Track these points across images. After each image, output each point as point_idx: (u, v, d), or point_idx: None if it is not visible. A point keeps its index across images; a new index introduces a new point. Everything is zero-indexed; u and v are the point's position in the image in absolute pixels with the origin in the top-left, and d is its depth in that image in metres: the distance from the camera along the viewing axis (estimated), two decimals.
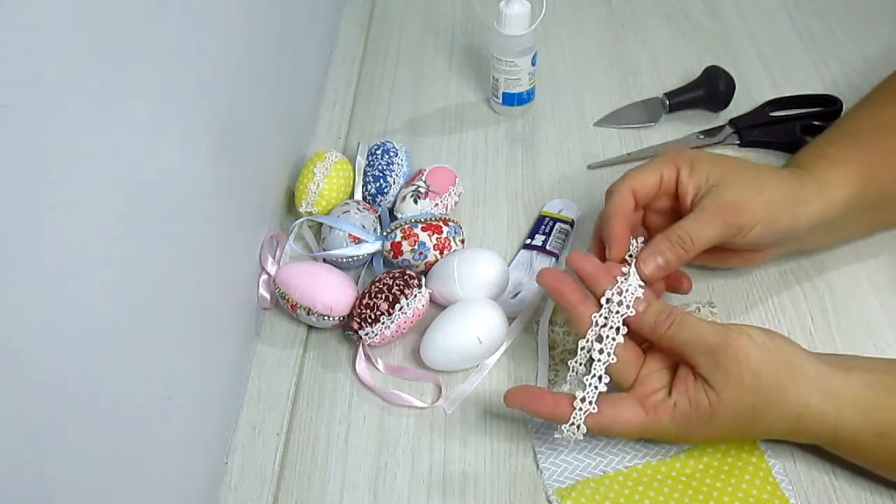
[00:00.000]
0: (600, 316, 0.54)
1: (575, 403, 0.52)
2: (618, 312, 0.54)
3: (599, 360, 0.53)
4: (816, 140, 0.65)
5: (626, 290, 0.54)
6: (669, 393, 0.52)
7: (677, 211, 0.60)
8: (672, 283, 0.62)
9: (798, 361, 0.51)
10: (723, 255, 0.62)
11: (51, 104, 0.36)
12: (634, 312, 0.53)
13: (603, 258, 0.58)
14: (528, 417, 0.59)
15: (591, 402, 0.52)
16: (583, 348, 0.54)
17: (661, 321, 0.52)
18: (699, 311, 0.64)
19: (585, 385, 0.53)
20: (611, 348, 0.53)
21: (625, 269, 0.56)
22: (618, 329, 0.53)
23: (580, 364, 0.55)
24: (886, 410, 0.51)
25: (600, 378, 0.53)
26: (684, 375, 0.52)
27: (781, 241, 0.60)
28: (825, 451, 0.55)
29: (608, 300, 0.54)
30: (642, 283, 0.55)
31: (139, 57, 0.44)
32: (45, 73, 0.35)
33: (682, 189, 0.58)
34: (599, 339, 0.54)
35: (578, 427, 0.52)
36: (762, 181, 0.58)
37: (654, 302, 0.53)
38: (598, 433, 0.53)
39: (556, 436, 0.54)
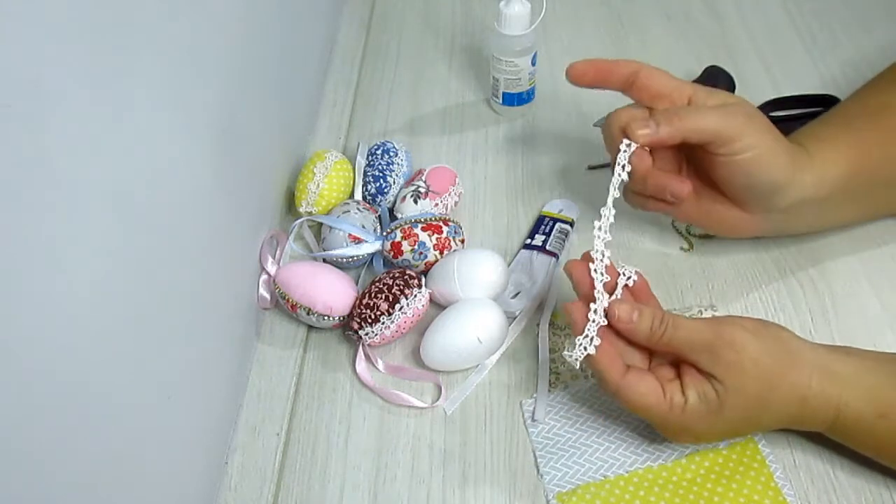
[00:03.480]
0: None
1: (589, 316, 0.53)
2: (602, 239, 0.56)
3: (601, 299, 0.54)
4: (810, 123, 0.66)
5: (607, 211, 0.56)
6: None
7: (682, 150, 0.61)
8: None
9: (795, 346, 0.52)
10: (712, 209, 0.62)
11: (51, 104, 0.36)
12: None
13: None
14: (528, 418, 0.59)
15: (591, 339, 0.52)
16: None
17: (656, 328, 0.52)
18: (701, 313, 0.64)
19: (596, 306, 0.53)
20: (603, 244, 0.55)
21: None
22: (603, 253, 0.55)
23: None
24: (887, 391, 0.51)
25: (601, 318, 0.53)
26: (689, 372, 0.52)
27: (769, 202, 0.60)
28: (825, 448, 0.55)
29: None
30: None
31: (139, 57, 0.45)
32: (45, 73, 0.35)
33: (696, 102, 0.59)
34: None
35: (586, 347, 0.52)
36: (770, 127, 0.59)
37: (644, 309, 0.53)
38: (614, 394, 0.52)
39: (564, 354, 0.54)
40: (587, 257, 0.55)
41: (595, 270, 0.54)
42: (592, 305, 0.53)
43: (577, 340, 0.52)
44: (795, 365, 0.51)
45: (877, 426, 0.51)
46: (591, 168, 0.77)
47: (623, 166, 0.57)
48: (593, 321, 0.53)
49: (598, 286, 0.54)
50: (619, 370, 0.52)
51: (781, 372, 0.51)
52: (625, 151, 0.58)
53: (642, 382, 0.52)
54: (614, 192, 0.57)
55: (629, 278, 0.56)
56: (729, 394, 0.50)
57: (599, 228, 0.56)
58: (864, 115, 0.64)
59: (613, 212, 0.57)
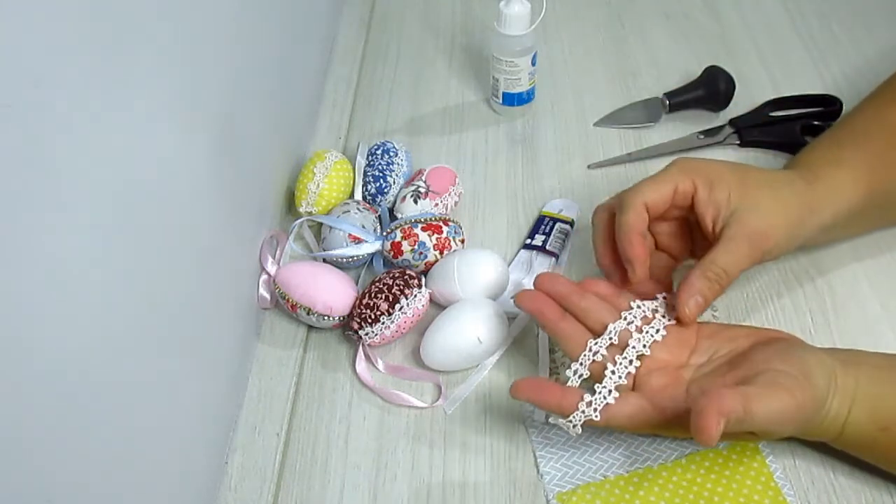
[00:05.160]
0: (595, 344, 0.55)
1: (580, 405, 0.52)
2: (634, 347, 0.55)
3: (611, 378, 0.53)
4: (822, 139, 0.64)
5: (646, 329, 0.56)
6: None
7: (686, 220, 0.60)
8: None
9: (814, 381, 0.50)
10: None
11: (51, 104, 0.36)
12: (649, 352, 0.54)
13: (620, 271, 0.59)
14: (529, 419, 0.59)
15: (595, 410, 0.52)
16: (575, 372, 0.55)
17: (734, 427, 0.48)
18: None
19: (595, 390, 0.53)
20: (623, 374, 0.54)
21: (633, 304, 0.57)
22: (631, 361, 0.54)
23: (578, 376, 0.55)
24: (890, 403, 0.51)
25: (610, 392, 0.53)
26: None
27: (794, 249, 0.60)
28: (826, 450, 0.55)
29: (618, 326, 0.55)
30: (664, 318, 0.56)
31: (139, 57, 0.45)
32: (45, 73, 0.35)
33: (701, 208, 0.57)
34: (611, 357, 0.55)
35: (575, 426, 0.52)
36: (782, 199, 0.57)
37: (729, 415, 0.46)
38: (604, 426, 0.52)
39: (550, 421, 0.54)
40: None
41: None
42: (587, 397, 0.52)
43: (560, 420, 0.53)
44: (825, 401, 0.50)
45: (879, 439, 0.51)
46: (591, 168, 0.77)
47: (610, 391, 0.53)
48: (583, 412, 0.52)
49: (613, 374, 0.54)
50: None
51: (815, 412, 0.50)
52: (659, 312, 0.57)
53: (625, 406, 0.51)
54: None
55: (658, 331, 0.56)
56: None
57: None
58: (875, 133, 0.62)
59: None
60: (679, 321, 0.56)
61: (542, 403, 0.54)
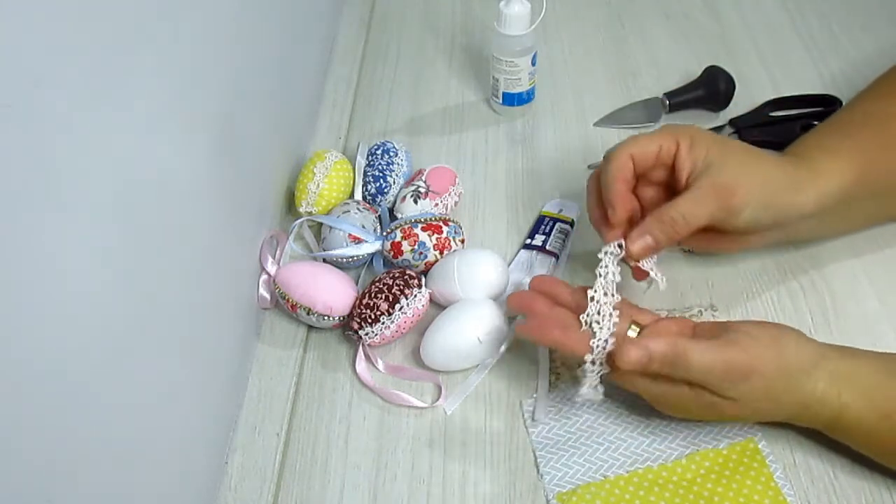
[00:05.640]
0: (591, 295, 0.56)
1: (587, 366, 0.53)
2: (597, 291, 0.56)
3: (599, 318, 0.54)
4: (812, 131, 0.65)
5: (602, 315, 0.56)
6: None
7: (671, 184, 0.60)
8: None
9: (800, 356, 0.52)
10: (714, 239, 0.61)
11: (51, 104, 0.36)
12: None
13: (605, 219, 0.59)
14: (529, 419, 0.59)
15: (601, 364, 0.53)
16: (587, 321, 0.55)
17: (666, 368, 0.51)
18: (701, 314, 0.64)
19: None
20: (606, 316, 0.55)
21: (592, 293, 0.57)
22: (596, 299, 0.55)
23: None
24: (890, 392, 0.51)
25: (607, 341, 0.54)
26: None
27: (772, 225, 0.60)
28: (825, 448, 0.55)
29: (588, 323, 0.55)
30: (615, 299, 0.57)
31: (139, 57, 0.45)
32: (45, 73, 0.35)
33: (680, 163, 0.58)
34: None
35: (596, 386, 0.53)
36: (758, 164, 0.59)
37: (654, 352, 0.51)
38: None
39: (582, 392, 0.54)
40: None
41: (594, 297, 0.56)
42: (594, 340, 0.54)
43: (586, 370, 0.53)
44: (800, 376, 0.51)
45: (880, 427, 0.51)
46: (591, 168, 0.77)
47: (609, 272, 0.57)
48: (597, 346, 0.53)
49: (602, 313, 0.55)
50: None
51: (788, 387, 0.51)
52: (611, 254, 0.58)
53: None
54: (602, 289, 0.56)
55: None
56: (738, 404, 0.52)
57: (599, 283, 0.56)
58: (866, 124, 0.63)
59: (616, 278, 0.57)
60: (627, 258, 0.57)
61: (565, 347, 0.55)
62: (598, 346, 0.53)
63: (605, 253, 0.58)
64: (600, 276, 0.56)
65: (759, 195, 0.57)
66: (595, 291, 0.56)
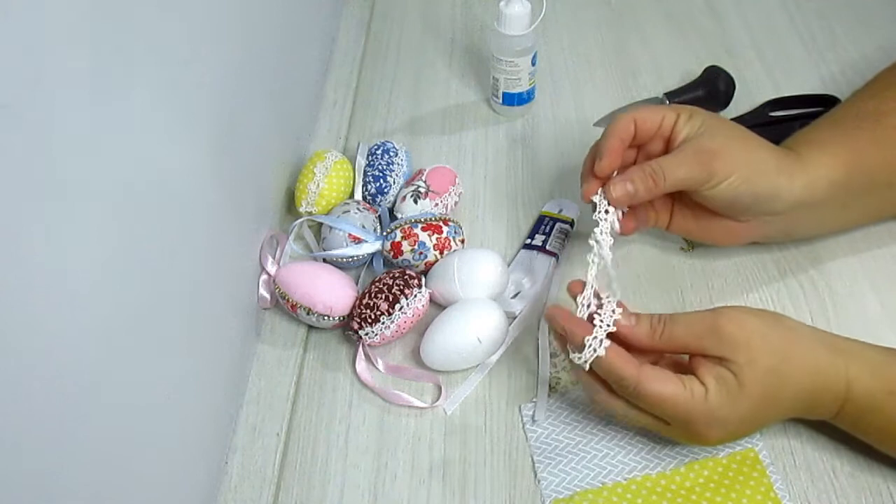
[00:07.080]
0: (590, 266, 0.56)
1: (586, 340, 0.52)
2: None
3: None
4: (806, 127, 0.66)
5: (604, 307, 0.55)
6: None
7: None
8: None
9: (795, 324, 0.53)
10: (706, 225, 0.62)
11: (51, 104, 0.36)
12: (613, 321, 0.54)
13: (591, 173, 0.60)
14: (528, 421, 0.59)
15: (600, 342, 0.52)
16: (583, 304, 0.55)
17: (656, 325, 0.52)
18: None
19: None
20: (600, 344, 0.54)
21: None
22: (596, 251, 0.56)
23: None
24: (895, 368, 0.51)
25: (613, 310, 0.53)
26: (701, 363, 0.51)
27: (754, 206, 0.60)
28: (825, 449, 0.55)
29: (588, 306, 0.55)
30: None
31: (139, 57, 0.45)
32: (45, 73, 0.35)
33: (677, 130, 0.60)
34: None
35: (596, 348, 0.52)
36: (747, 141, 0.60)
37: (641, 315, 0.53)
38: (634, 390, 0.51)
39: (572, 357, 0.53)
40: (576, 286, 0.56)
41: (591, 270, 0.55)
42: (598, 312, 0.53)
43: (586, 341, 0.52)
44: (800, 339, 0.52)
45: (887, 403, 0.51)
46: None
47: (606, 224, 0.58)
48: (600, 325, 0.52)
49: (606, 292, 0.54)
50: (635, 364, 0.51)
51: (789, 344, 0.51)
52: (604, 211, 0.59)
53: (661, 373, 0.51)
54: (602, 242, 0.57)
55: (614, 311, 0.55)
56: (744, 370, 0.50)
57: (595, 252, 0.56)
58: (857, 119, 0.64)
59: (611, 241, 0.57)
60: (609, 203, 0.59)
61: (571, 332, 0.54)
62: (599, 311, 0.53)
63: (596, 241, 0.58)
64: (592, 263, 0.56)
65: (742, 169, 0.58)
66: (590, 273, 0.56)
